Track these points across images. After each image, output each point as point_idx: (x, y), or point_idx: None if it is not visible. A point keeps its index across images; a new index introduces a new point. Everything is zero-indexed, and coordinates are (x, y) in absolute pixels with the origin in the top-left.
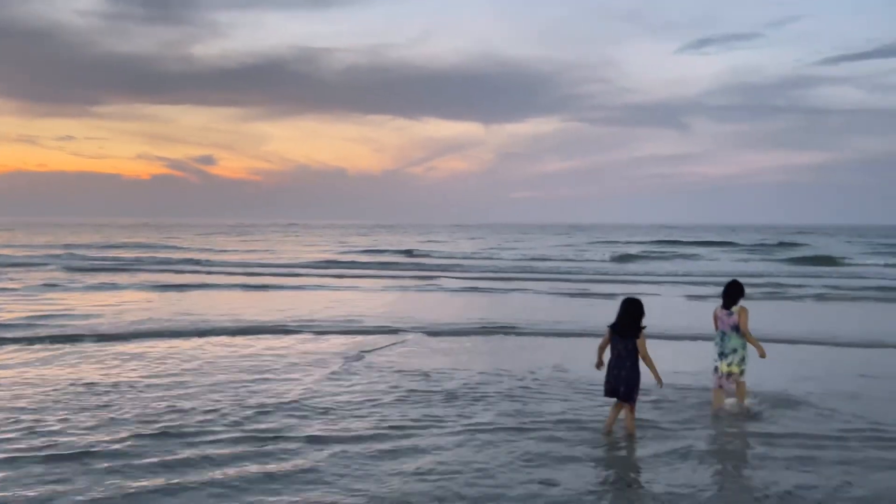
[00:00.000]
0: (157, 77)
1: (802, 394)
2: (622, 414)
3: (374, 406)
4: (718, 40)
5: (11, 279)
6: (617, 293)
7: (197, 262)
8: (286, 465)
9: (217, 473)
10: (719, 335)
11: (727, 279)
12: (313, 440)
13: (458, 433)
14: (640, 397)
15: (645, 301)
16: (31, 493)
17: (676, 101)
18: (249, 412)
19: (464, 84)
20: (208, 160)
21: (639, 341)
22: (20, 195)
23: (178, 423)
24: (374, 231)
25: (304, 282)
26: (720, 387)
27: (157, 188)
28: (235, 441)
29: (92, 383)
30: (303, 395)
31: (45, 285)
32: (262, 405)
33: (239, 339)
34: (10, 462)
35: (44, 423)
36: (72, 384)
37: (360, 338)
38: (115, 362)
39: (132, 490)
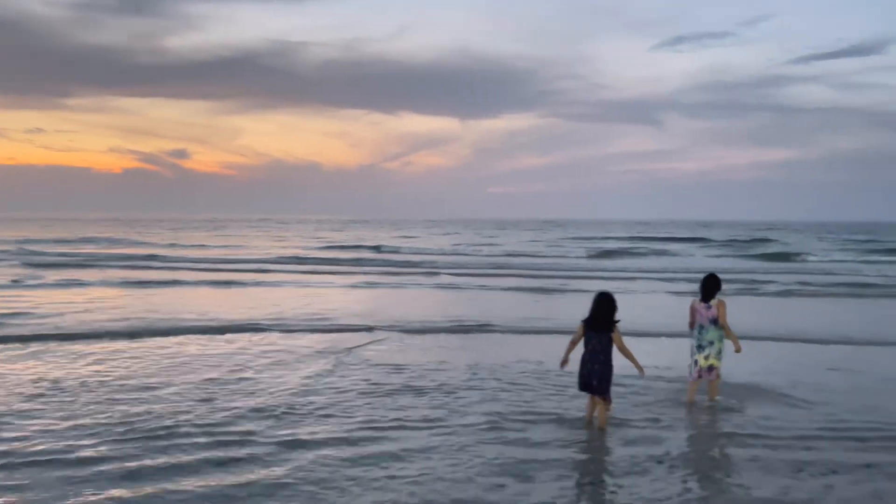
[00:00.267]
0: (129, 69)
1: (771, 387)
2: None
3: (347, 407)
4: (692, 38)
5: None
6: (590, 290)
7: (167, 259)
8: (257, 474)
9: (185, 483)
10: (697, 328)
11: (702, 275)
12: (285, 444)
13: (431, 433)
14: (614, 392)
15: (622, 298)
16: None
17: (650, 98)
18: (219, 416)
19: (440, 79)
20: (182, 154)
21: (614, 335)
22: None
23: (143, 427)
24: (348, 226)
25: (274, 278)
26: (699, 377)
27: (129, 182)
28: (204, 446)
29: (52, 385)
30: (274, 396)
31: (5, 282)
32: (233, 408)
33: (208, 339)
34: None
35: (1, 428)
36: (32, 386)
37: (331, 336)
38: (78, 363)
39: (92, 500)
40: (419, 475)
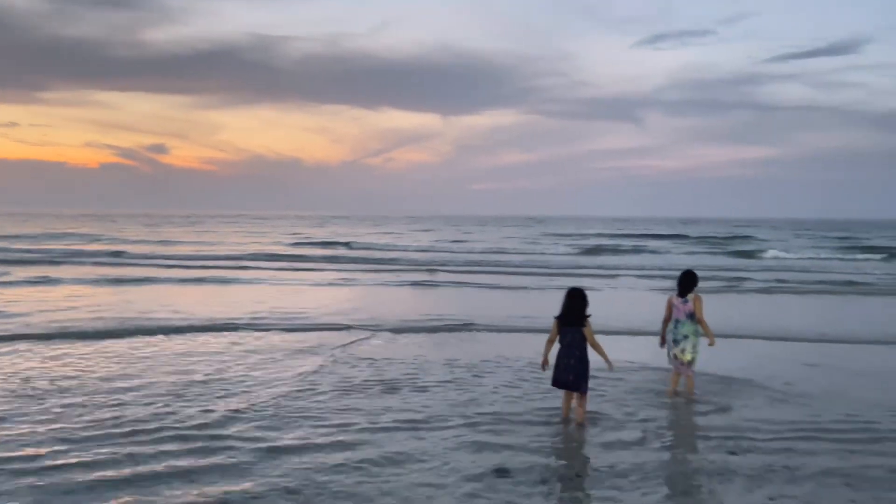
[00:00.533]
0: (105, 62)
1: (746, 380)
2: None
3: (323, 410)
4: (672, 36)
5: None
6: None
7: (140, 256)
8: (229, 482)
9: (158, 490)
10: (673, 322)
11: (679, 271)
12: (261, 450)
13: (409, 435)
14: (590, 389)
15: (603, 295)
16: None
17: (631, 96)
18: (195, 420)
19: (422, 75)
20: (160, 149)
21: (585, 329)
22: None
23: (115, 432)
24: (328, 222)
25: (250, 275)
26: (678, 372)
27: (106, 177)
28: (182, 453)
29: (21, 388)
30: (253, 398)
31: None
32: (209, 411)
33: (183, 338)
34: None
35: None
36: (2, 387)
37: (307, 335)
38: (48, 364)
39: None
40: (396, 479)
